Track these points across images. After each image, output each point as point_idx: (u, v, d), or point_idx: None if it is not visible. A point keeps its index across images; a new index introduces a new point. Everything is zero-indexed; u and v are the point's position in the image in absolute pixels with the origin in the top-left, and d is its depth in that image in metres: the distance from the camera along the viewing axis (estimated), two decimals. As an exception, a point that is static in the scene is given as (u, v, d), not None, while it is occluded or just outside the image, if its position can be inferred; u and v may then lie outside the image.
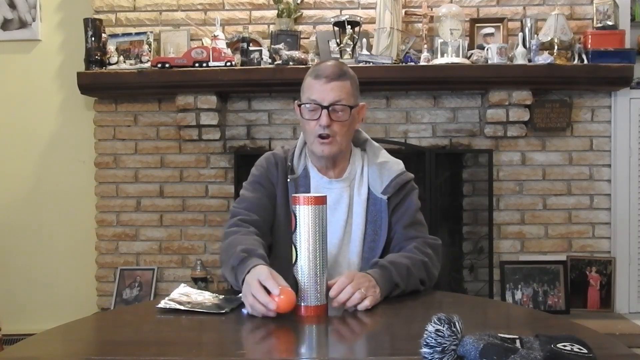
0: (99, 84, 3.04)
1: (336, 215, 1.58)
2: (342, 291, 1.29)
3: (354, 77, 1.61)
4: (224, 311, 1.28)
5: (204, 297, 1.37)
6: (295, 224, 1.28)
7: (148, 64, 3.03)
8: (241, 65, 2.98)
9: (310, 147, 1.61)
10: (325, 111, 1.53)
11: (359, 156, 1.68)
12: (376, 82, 2.93)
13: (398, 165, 1.66)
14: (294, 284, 1.28)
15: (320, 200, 1.29)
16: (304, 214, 1.27)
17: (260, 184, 1.64)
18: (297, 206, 1.28)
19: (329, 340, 1.22)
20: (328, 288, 1.29)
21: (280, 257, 1.59)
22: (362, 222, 1.60)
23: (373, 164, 1.65)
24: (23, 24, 3.29)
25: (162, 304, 1.32)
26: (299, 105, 1.60)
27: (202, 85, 2.97)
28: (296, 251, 1.27)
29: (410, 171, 1.68)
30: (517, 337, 0.95)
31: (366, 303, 1.29)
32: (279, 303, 1.21)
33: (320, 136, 1.55)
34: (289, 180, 1.62)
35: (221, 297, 1.38)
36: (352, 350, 1.15)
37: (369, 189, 1.62)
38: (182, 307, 1.30)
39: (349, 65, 2.89)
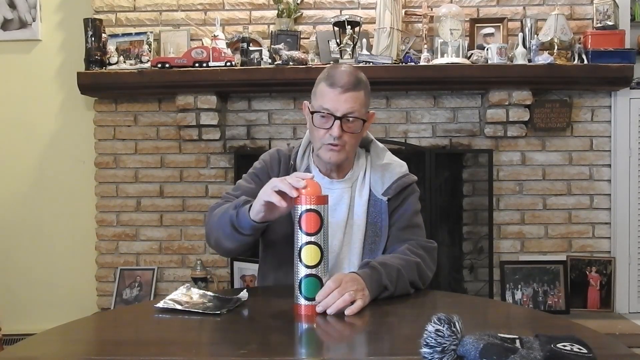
0: (99, 84, 3.04)
1: (336, 216, 1.58)
2: (328, 295, 1.26)
3: (367, 84, 1.58)
4: (223, 311, 1.27)
5: (205, 298, 1.37)
6: (321, 224, 1.26)
7: (148, 64, 3.03)
8: (241, 65, 2.98)
9: (317, 151, 1.61)
10: (337, 122, 1.50)
11: (362, 157, 1.67)
12: (376, 82, 2.88)
13: (401, 167, 1.64)
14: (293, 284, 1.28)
15: (323, 200, 1.28)
16: (325, 213, 1.27)
17: (258, 177, 1.64)
18: (322, 206, 1.27)
19: (328, 340, 1.21)
20: None
21: (278, 255, 1.59)
22: (363, 223, 1.59)
23: (376, 165, 1.64)
24: (23, 24, 3.29)
25: (162, 303, 1.32)
26: (312, 113, 1.56)
27: (202, 85, 2.97)
28: (322, 252, 1.26)
29: (410, 171, 1.67)
30: (517, 337, 0.95)
31: (353, 308, 1.26)
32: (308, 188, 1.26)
33: (330, 143, 1.54)
34: None
35: (222, 297, 1.38)
36: (352, 350, 1.15)
37: (370, 190, 1.62)
38: (179, 307, 1.30)
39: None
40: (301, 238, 1.26)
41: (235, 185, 1.68)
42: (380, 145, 1.71)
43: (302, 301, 1.26)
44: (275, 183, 1.32)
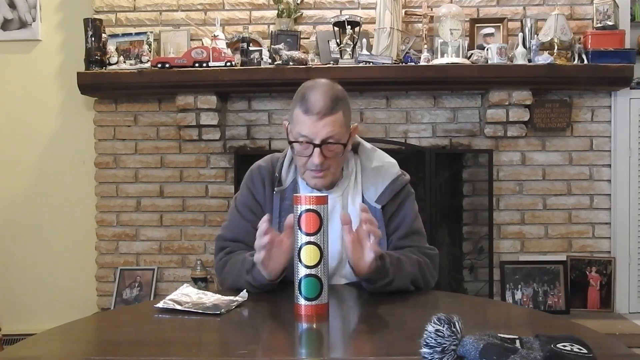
0: (99, 84, 3.04)
1: (331, 227, 1.46)
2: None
3: (345, 100, 1.52)
4: (223, 311, 1.27)
5: (204, 298, 1.37)
6: (321, 223, 1.26)
7: (148, 64, 3.03)
8: (241, 65, 2.98)
9: (301, 176, 1.56)
10: (317, 149, 1.45)
11: (351, 161, 1.61)
12: (376, 82, 2.93)
13: (393, 168, 1.59)
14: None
15: (322, 200, 1.28)
16: (325, 213, 1.27)
17: (247, 207, 1.59)
18: (322, 206, 1.26)
19: (329, 340, 1.21)
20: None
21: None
22: None
23: (367, 169, 1.58)
24: (23, 24, 3.29)
25: (162, 303, 1.31)
26: (290, 143, 1.51)
27: (202, 85, 2.97)
28: (321, 251, 1.27)
29: (411, 171, 1.64)
30: (517, 337, 0.95)
31: (373, 243, 1.31)
32: None
33: (313, 170, 1.50)
34: (275, 192, 1.57)
35: (222, 297, 1.38)
36: (352, 350, 1.15)
37: (363, 197, 1.57)
38: (180, 307, 1.30)
39: (348, 66, 2.92)
40: (300, 238, 1.26)
41: (226, 222, 1.65)
42: (369, 146, 1.64)
43: (302, 301, 1.26)
44: (260, 259, 1.35)
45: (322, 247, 1.27)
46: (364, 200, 1.57)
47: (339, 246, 1.51)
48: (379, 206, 1.55)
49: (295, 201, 1.28)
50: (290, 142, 1.51)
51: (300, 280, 1.26)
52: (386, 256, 1.39)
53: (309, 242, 1.26)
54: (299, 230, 1.26)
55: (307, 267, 1.26)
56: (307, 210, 1.26)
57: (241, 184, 1.66)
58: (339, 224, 1.50)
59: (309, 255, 1.26)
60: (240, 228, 1.58)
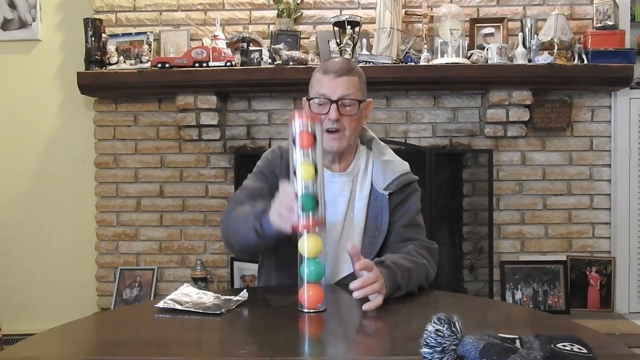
0: (99, 84, 3.04)
1: (336, 209, 1.59)
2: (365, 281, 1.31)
3: (362, 73, 1.64)
4: (223, 311, 1.27)
5: (205, 297, 1.37)
6: (314, 142, 1.27)
7: (148, 64, 3.03)
8: (241, 65, 2.98)
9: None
10: (334, 105, 1.55)
11: (364, 153, 1.69)
12: (376, 82, 2.92)
13: (403, 165, 1.67)
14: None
15: (316, 118, 1.31)
16: (319, 132, 1.29)
17: (263, 174, 1.65)
18: (316, 124, 1.28)
19: (329, 340, 1.21)
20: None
21: (279, 256, 1.59)
22: (363, 217, 1.60)
23: (378, 160, 1.65)
24: (23, 24, 3.29)
25: (162, 303, 1.32)
26: (308, 100, 1.61)
27: (202, 85, 2.97)
28: (316, 169, 1.27)
29: (411, 171, 1.68)
30: (517, 337, 0.95)
31: (372, 305, 1.29)
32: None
33: (329, 130, 1.56)
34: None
35: (222, 297, 1.38)
36: (352, 350, 1.15)
37: (372, 185, 1.63)
38: (180, 307, 1.30)
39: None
40: (297, 155, 1.27)
41: (241, 186, 1.67)
42: (382, 143, 1.73)
43: (301, 214, 1.25)
44: (278, 209, 1.32)
45: (316, 165, 1.27)
46: (372, 188, 1.63)
47: (340, 229, 1.59)
48: (386, 193, 1.61)
49: (290, 122, 1.29)
50: (309, 100, 1.60)
51: (298, 197, 1.26)
52: (398, 271, 1.41)
53: (305, 159, 1.26)
54: (294, 148, 1.28)
55: (304, 182, 1.26)
56: (302, 131, 1.27)
57: (258, 161, 1.70)
58: (343, 207, 1.60)
59: (305, 171, 1.27)
60: (255, 188, 1.61)
